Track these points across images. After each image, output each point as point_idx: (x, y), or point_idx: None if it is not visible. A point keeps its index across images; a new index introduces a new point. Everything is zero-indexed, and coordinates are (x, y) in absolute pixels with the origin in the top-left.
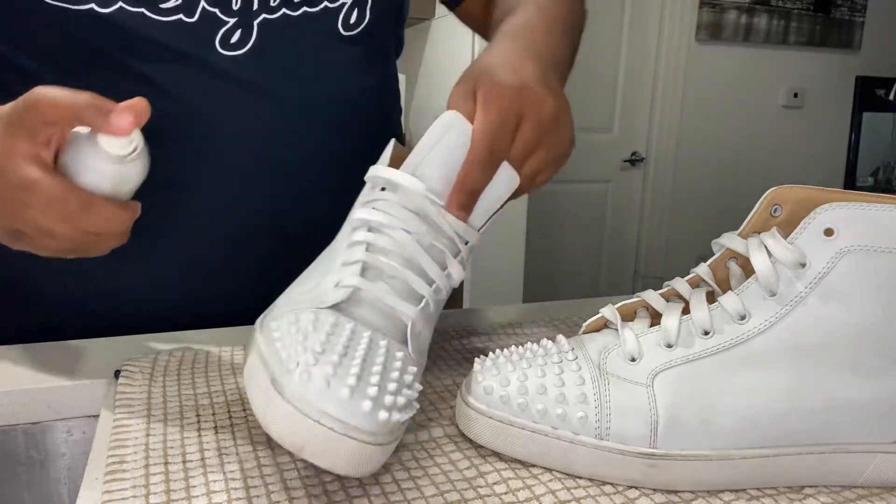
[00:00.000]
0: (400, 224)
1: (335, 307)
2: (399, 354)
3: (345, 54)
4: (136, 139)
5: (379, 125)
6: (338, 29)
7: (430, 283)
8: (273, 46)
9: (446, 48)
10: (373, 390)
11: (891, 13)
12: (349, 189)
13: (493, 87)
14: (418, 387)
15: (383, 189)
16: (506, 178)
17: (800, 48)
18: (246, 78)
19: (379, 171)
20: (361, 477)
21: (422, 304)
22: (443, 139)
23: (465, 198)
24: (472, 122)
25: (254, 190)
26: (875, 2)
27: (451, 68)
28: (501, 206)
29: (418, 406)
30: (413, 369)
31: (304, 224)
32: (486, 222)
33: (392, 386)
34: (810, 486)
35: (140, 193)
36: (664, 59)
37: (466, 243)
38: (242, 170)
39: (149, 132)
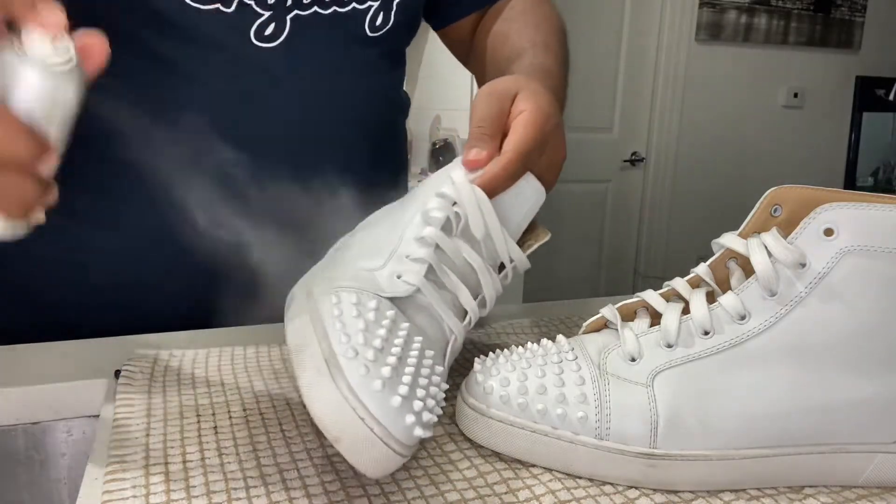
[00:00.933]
0: (467, 238)
1: (393, 300)
2: (439, 369)
3: (368, 55)
4: (71, 52)
5: (390, 126)
6: (364, 30)
7: (476, 296)
8: (304, 42)
9: (446, 48)
10: (418, 405)
11: (891, 13)
12: (358, 189)
13: (542, 110)
14: (444, 404)
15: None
16: (534, 194)
17: (800, 48)
18: (276, 70)
19: (466, 181)
20: (375, 478)
21: (466, 321)
22: (518, 186)
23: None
24: (497, 124)
25: (266, 184)
26: (875, 2)
27: (451, 68)
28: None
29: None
30: (445, 387)
31: (314, 222)
32: (529, 249)
33: (431, 403)
34: (810, 486)
35: (149, 178)
36: (664, 59)
37: (511, 261)
38: (258, 162)
39: (173, 116)
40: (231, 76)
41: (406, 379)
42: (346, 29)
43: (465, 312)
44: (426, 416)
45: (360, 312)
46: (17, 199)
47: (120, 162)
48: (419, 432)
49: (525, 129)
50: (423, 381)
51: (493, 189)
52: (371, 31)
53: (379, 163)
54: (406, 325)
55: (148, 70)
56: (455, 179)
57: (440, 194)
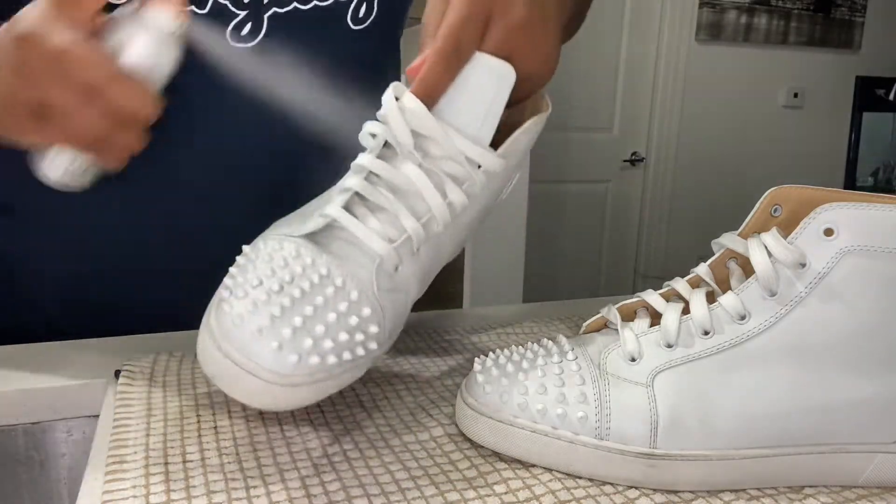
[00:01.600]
0: (406, 148)
1: (310, 237)
2: (353, 294)
3: (354, 51)
4: (183, 22)
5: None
6: (347, 23)
7: (421, 217)
8: (283, 40)
9: None
10: (287, 332)
11: (891, 13)
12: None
13: None
14: (374, 329)
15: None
16: (495, 74)
17: (800, 48)
18: (254, 70)
19: (391, 93)
20: (277, 411)
21: (399, 241)
22: (466, 73)
23: (423, 93)
24: (438, 23)
25: (250, 184)
26: (875, 2)
27: None
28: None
29: (373, 349)
30: (366, 312)
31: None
32: (512, 150)
33: (319, 329)
34: (810, 486)
35: (139, 183)
36: (664, 59)
37: (479, 167)
38: (242, 162)
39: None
40: (205, 77)
41: (274, 309)
42: (327, 24)
43: (403, 232)
44: (306, 343)
45: (256, 255)
46: (125, 152)
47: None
48: (292, 358)
49: (450, 12)
50: (308, 309)
51: (429, 90)
52: (354, 24)
53: None
54: (310, 257)
55: None
56: (384, 97)
57: (378, 116)
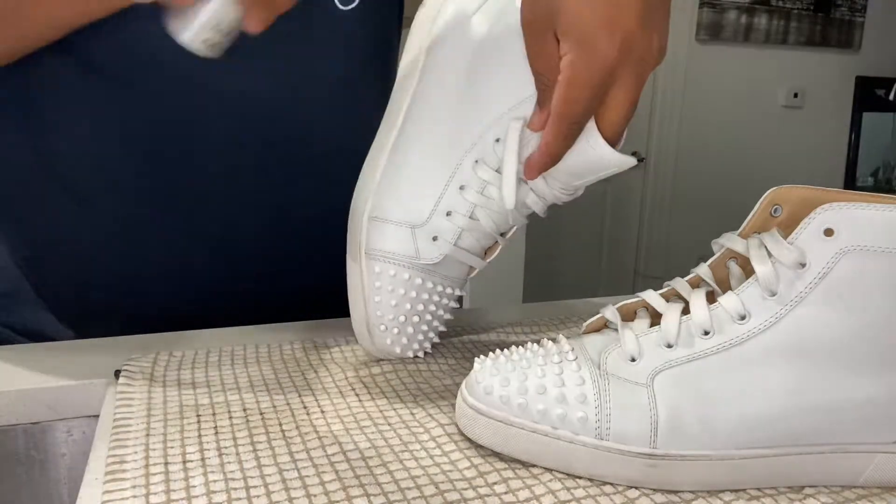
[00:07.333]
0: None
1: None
2: (456, 293)
3: (341, 32)
4: None
5: (375, 111)
6: (335, 4)
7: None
8: (269, 28)
9: None
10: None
11: (891, 13)
12: (346, 180)
13: (584, 58)
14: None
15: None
16: (615, 163)
17: (800, 48)
18: (244, 54)
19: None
20: None
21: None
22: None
23: (549, 164)
24: (550, 69)
25: (249, 172)
26: (875, 2)
27: None
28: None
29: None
30: (454, 305)
31: (304, 215)
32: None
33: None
34: (810, 486)
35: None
36: (664, 59)
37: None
38: (237, 148)
39: (147, 112)
40: (195, 61)
41: (409, 329)
42: (313, 6)
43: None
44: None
45: (394, 287)
46: (272, 7)
47: (107, 168)
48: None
49: (566, 89)
50: (427, 317)
51: (553, 160)
52: (342, 3)
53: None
54: (430, 284)
55: (110, 58)
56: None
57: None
